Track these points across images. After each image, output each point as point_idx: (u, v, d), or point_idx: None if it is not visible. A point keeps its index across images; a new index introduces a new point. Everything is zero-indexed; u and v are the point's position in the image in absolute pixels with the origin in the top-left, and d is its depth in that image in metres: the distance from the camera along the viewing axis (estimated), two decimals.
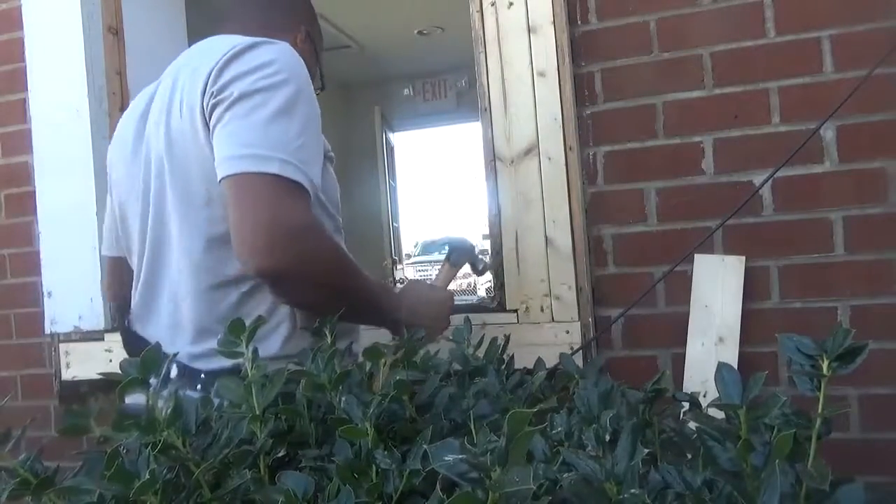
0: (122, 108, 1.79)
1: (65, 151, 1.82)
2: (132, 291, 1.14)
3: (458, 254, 1.38)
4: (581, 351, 1.48)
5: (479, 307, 1.64)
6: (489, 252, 1.65)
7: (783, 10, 1.43)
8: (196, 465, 0.57)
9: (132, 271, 1.15)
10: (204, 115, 0.96)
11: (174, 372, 1.02)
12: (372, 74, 6.46)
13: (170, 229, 1.03)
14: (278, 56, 0.98)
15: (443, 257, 1.41)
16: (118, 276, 1.28)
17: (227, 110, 0.94)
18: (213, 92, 0.95)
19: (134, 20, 1.93)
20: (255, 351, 0.71)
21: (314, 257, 0.95)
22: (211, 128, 0.95)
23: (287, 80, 0.96)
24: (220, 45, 1.02)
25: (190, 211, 1.00)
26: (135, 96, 1.24)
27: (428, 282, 1.33)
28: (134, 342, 1.11)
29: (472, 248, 1.44)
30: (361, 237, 5.17)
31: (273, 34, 1.07)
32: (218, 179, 0.93)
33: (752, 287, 1.44)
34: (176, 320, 1.05)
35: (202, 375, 1.01)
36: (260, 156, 0.90)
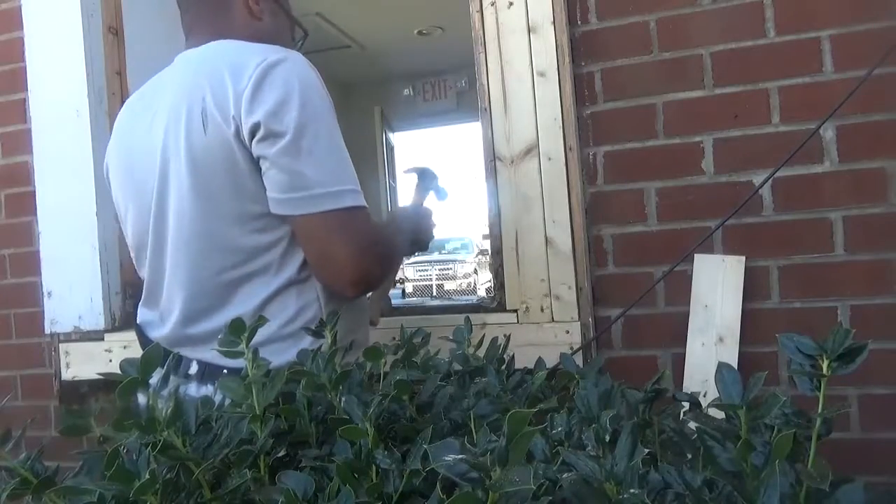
0: None
1: (65, 151, 1.82)
2: (142, 297, 1.14)
3: (424, 179, 1.46)
4: (581, 351, 1.48)
5: (479, 307, 1.64)
6: (489, 252, 1.65)
7: (783, 10, 1.43)
8: (196, 464, 0.57)
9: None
10: (241, 137, 0.97)
11: (194, 369, 1.02)
12: (372, 74, 6.46)
13: (190, 243, 1.03)
14: (300, 75, 0.99)
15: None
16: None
17: (285, 146, 0.96)
18: (256, 123, 0.95)
19: (134, 20, 1.93)
20: (256, 350, 0.71)
21: (391, 262, 1.15)
22: (264, 158, 0.97)
23: (319, 103, 1.00)
24: (236, 59, 1.00)
25: (221, 227, 1.01)
26: None
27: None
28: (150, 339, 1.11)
29: (435, 175, 1.50)
30: None
31: None
32: (285, 214, 0.99)
33: (752, 287, 1.44)
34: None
35: (224, 371, 1.01)
36: (334, 192, 0.98)
